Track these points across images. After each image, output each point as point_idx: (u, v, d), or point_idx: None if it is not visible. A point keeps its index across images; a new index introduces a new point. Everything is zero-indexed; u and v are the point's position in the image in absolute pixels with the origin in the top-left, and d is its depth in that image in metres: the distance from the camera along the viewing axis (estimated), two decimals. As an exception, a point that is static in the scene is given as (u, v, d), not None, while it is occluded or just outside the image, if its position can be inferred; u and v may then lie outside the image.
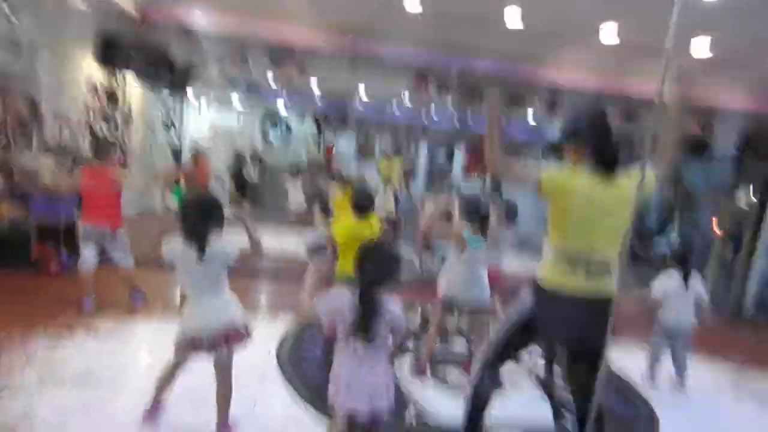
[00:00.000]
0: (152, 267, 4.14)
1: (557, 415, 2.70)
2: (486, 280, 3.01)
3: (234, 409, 2.30)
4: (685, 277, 3.20)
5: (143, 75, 4.17)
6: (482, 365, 2.06)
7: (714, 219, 6.18)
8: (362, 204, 3.05)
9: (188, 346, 2.03)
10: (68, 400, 2.30)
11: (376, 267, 1.76)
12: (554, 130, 8.47)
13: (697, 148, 5.54)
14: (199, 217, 2.01)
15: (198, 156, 5.95)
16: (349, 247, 3.08)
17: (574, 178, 1.83)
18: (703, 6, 2.93)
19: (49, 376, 2.48)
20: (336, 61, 4.81)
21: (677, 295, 3.18)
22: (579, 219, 1.80)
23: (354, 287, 1.77)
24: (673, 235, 7.04)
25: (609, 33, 3.86)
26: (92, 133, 5.25)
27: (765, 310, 5.48)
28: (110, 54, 3.96)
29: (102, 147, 3.69)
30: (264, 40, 4.48)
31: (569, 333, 1.86)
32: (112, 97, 5.99)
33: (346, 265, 3.10)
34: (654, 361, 3.32)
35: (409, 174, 6.65)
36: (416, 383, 2.93)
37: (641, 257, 6.64)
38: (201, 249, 1.98)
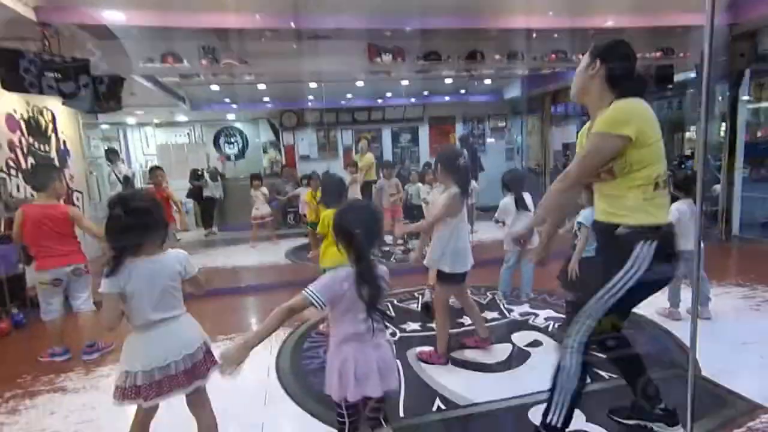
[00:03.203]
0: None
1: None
2: None
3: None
4: (693, 202, 3.08)
5: (61, 94, 3.63)
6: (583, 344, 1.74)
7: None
8: (335, 192, 3.04)
9: (139, 392, 1.61)
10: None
11: (363, 226, 1.50)
12: (514, 88, 8.43)
13: (661, 79, 5.50)
14: (133, 220, 1.58)
15: (156, 171, 5.51)
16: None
17: None
18: None
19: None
20: (279, 44, 4.43)
21: (689, 221, 3.03)
22: None
23: (348, 258, 1.53)
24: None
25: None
26: (23, 169, 4.67)
27: (752, 230, 5.58)
28: (16, 76, 3.40)
29: (43, 173, 3.08)
30: (195, 31, 4.03)
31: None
32: (39, 131, 5.41)
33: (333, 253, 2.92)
34: (678, 291, 3.18)
35: (384, 165, 6.37)
36: (432, 369, 2.67)
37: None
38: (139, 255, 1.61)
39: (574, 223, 2.90)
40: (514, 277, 3.68)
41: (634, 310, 3.03)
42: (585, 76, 1.71)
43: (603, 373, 2.46)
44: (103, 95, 3.82)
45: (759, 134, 8.02)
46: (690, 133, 7.85)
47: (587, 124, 1.79)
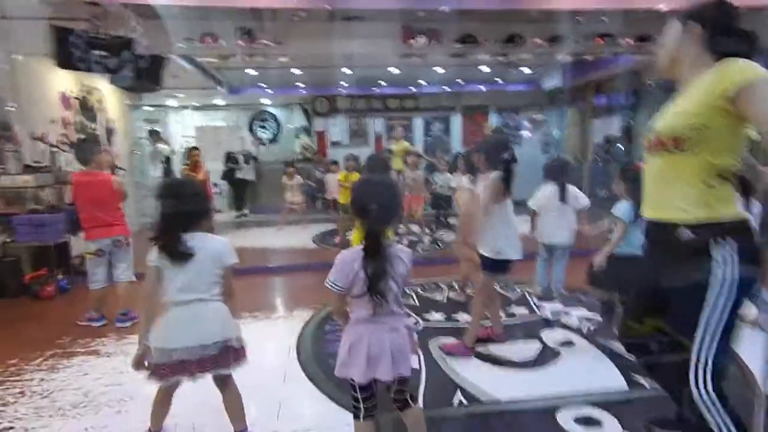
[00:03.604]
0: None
1: None
2: None
3: (258, 415, 2.06)
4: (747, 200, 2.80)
5: (106, 69, 3.77)
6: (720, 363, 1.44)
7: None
8: (377, 168, 3.00)
9: (168, 370, 1.63)
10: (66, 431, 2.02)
11: (378, 201, 1.45)
12: (554, 78, 8.04)
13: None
14: (178, 203, 1.65)
15: (193, 151, 5.72)
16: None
17: None
18: None
19: (48, 406, 2.20)
20: (313, 25, 4.39)
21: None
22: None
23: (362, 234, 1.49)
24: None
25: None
26: (72, 143, 4.90)
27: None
28: (66, 53, 3.57)
29: (86, 148, 3.25)
30: (232, 12, 4.07)
31: None
32: (88, 109, 5.68)
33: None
34: None
35: (409, 154, 6.25)
36: (455, 362, 2.59)
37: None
38: (182, 242, 1.63)
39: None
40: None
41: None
42: (676, 43, 1.48)
43: (643, 382, 2.29)
44: (144, 72, 3.92)
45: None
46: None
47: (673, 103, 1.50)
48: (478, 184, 2.71)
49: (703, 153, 1.37)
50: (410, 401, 1.63)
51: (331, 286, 1.47)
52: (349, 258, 1.47)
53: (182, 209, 1.65)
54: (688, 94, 1.45)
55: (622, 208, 2.62)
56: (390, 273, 1.46)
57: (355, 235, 2.93)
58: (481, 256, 2.58)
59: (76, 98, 5.36)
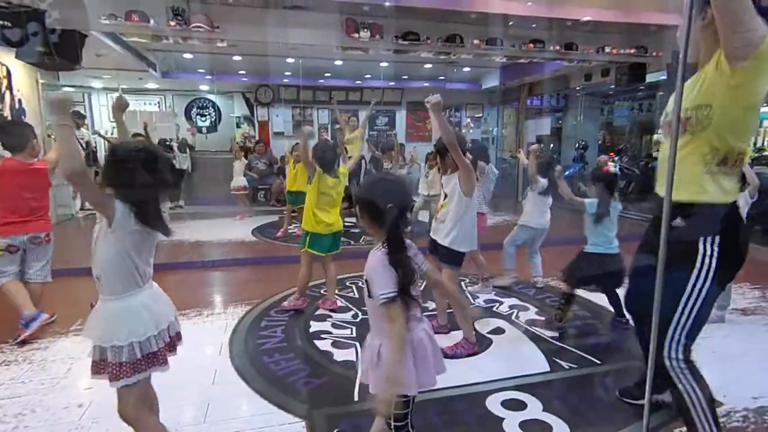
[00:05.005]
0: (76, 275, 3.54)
1: None
2: None
3: (183, 417, 1.95)
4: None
5: (6, 41, 3.31)
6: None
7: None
8: (332, 158, 3.09)
9: (147, 361, 1.43)
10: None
11: (395, 200, 1.33)
12: (492, 78, 8.40)
13: (634, 77, 5.55)
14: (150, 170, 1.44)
15: (137, 138, 5.25)
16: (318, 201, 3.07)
17: None
18: None
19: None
20: (253, 12, 4.18)
21: None
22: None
23: (376, 237, 1.39)
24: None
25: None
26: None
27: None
28: None
29: (18, 132, 2.80)
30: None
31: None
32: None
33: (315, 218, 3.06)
34: (729, 290, 3.06)
35: (385, 147, 6.24)
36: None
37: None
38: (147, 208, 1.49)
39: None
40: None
41: (601, 303, 2.99)
42: (695, 30, 1.46)
43: (563, 363, 2.49)
44: (58, 48, 3.49)
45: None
46: (658, 135, 8.10)
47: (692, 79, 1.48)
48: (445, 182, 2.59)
49: (710, 132, 1.33)
50: None
51: (392, 295, 1.29)
52: (383, 262, 1.33)
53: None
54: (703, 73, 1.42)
55: (592, 202, 2.78)
56: (417, 268, 1.40)
57: (307, 216, 3.08)
58: (451, 251, 2.54)
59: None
